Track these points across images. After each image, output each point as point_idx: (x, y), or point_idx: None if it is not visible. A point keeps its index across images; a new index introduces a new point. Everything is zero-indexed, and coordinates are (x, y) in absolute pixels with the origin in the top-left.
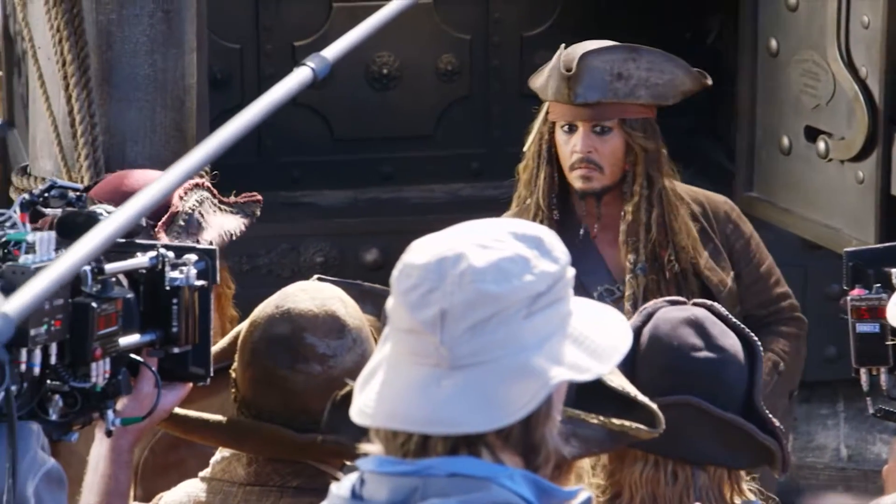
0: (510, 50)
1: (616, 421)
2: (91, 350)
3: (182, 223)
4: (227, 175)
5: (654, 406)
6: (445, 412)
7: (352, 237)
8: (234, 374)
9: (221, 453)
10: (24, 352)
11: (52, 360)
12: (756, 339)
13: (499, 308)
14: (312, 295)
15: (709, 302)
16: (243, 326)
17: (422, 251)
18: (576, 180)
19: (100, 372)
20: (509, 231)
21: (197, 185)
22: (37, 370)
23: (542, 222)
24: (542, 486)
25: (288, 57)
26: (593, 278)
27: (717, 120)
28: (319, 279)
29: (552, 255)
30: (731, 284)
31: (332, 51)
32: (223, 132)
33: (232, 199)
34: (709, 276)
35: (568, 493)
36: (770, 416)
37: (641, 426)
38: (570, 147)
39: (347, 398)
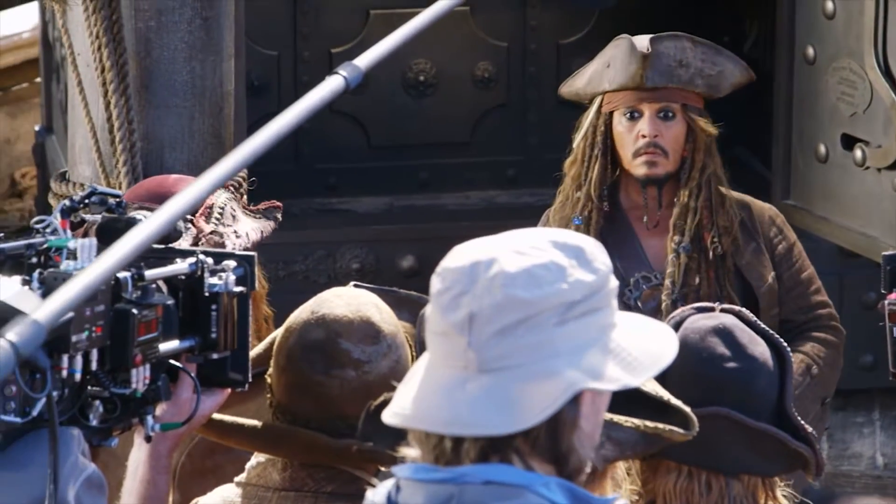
0: (547, 57)
1: (650, 423)
2: (131, 356)
3: (219, 214)
4: (264, 182)
5: (688, 409)
6: (467, 414)
7: (388, 244)
8: (269, 380)
9: (257, 458)
10: (65, 358)
11: (93, 366)
12: (785, 345)
13: (528, 314)
14: (348, 301)
15: (737, 308)
16: (279, 332)
17: (459, 255)
18: (640, 167)
19: (140, 378)
20: (550, 239)
21: (226, 188)
22: (78, 376)
23: (591, 213)
24: (578, 494)
25: (325, 64)
26: (631, 265)
27: (754, 128)
28: (356, 286)
29: (592, 265)
30: (772, 282)
31: (365, 59)
32: (256, 139)
33: (253, 207)
34: (748, 269)
35: (604, 502)
36: (802, 422)
37: (675, 428)
38: (635, 133)
39: (382, 407)
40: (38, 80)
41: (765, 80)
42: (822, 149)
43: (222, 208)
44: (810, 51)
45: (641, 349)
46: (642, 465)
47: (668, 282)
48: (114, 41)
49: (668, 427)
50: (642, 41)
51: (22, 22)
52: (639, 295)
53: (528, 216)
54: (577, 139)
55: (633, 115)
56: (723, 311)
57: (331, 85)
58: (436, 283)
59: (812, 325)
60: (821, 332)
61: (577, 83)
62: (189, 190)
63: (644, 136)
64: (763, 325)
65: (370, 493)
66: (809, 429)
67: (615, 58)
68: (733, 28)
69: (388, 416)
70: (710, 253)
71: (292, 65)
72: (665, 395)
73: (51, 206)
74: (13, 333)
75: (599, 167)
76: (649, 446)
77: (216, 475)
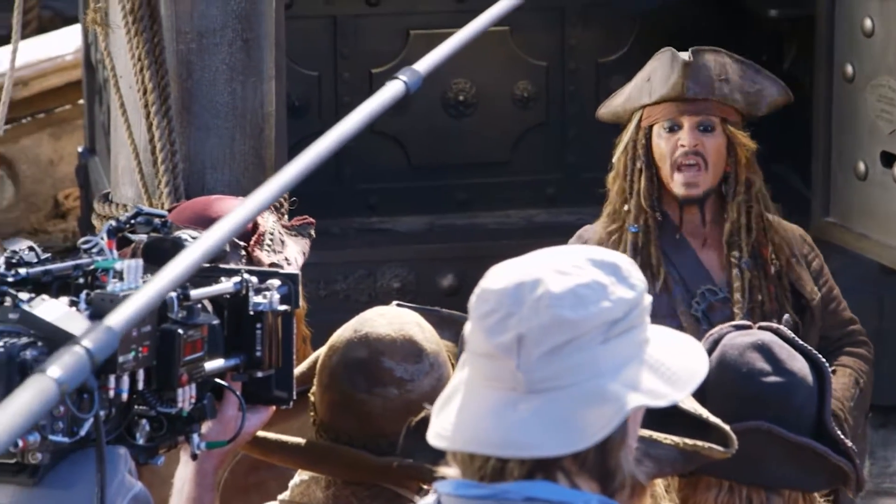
0: (586, 76)
1: (689, 441)
2: (177, 376)
3: (269, 240)
4: (305, 202)
5: (727, 427)
6: (520, 435)
7: (428, 263)
8: (312, 398)
9: (300, 476)
10: (112, 378)
11: (140, 385)
12: (824, 360)
13: (575, 334)
14: (390, 320)
15: (775, 325)
16: (322, 351)
17: (500, 276)
18: (679, 186)
19: (186, 397)
20: (587, 257)
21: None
22: (125, 396)
23: (645, 223)
24: None
25: (365, 84)
26: (695, 278)
27: (794, 145)
28: (398, 305)
29: (629, 281)
30: (818, 298)
31: (424, 64)
32: (308, 155)
33: (286, 222)
34: (800, 284)
35: None
36: (842, 436)
37: (715, 446)
38: (674, 144)
39: (423, 423)
40: (81, 101)
41: (804, 97)
42: (862, 166)
43: (272, 234)
44: (849, 68)
45: (677, 362)
46: (682, 482)
47: (737, 296)
48: (155, 63)
49: (707, 445)
50: (684, 53)
51: (65, 44)
52: (705, 307)
53: (567, 234)
54: (618, 154)
55: (673, 128)
56: (760, 328)
57: (391, 90)
58: (478, 304)
59: (847, 340)
60: (857, 348)
61: (616, 102)
62: (242, 208)
63: (683, 146)
64: (801, 342)
65: None
66: (849, 443)
67: (656, 70)
68: (772, 46)
69: (433, 439)
70: (769, 269)
71: (333, 85)
72: (704, 412)
73: (94, 227)
74: (88, 340)
75: (646, 179)
76: (688, 464)
77: (259, 491)
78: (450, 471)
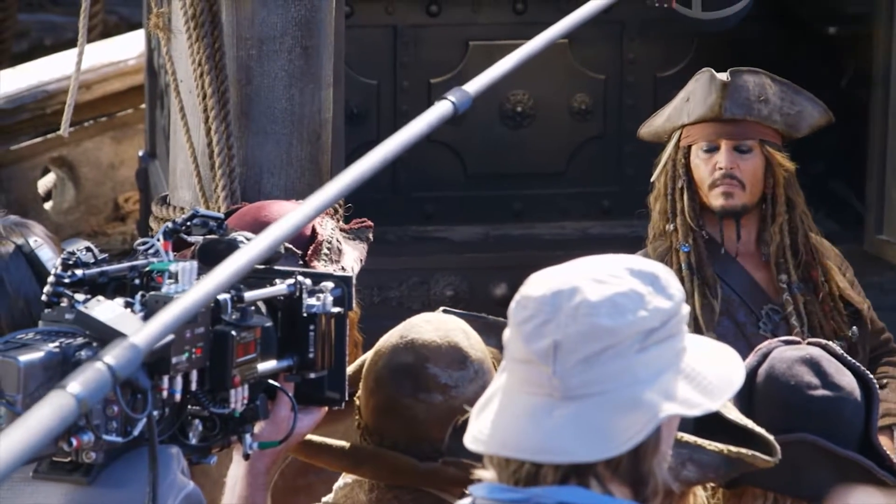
0: (644, 90)
1: (733, 448)
2: (230, 378)
3: (327, 250)
4: (361, 209)
5: (770, 437)
6: (555, 441)
7: (482, 272)
8: (357, 402)
9: (344, 479)
10: (165, 379)
11: (193, 386)
12: (871, 377)
13: (612, 342)
14: (436, 326)
15: (824, 341)
16: (368, 355)
17: (539, 284)
18: (716, 198)
19: (238, 398)
20: (626, 267)
21: (326, 214)
22: (178, 396)
23: (694, 241)
24: None
25: (424, 93)
26: (755, 298)
27: (851, 163)
28: (444, 311)
29: (667, 291)
30: (867, 305)
31: (474, 85)
32: (361, 165)
33: (344, 225)
34: (850, 294)
35: None
36: (887, 452)
37: (758, 454)
38: (712, 165)
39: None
40: (143, 106)
41: (861, 115)
42: None
43: (330, 243)
44: None
45: (713, 372)
46: (727, 493)
47: (793, 320)
48: (215, 69)
49: (751, 452)
50: (722, 73)
51: (128, 49)
52: (772, 328)
53: (622, 247)
54: (657, 173)
55: (711, 149)
56: (810, 343)
57: (439, 110)
58: (517, 311)
59: (883, 349)
60: (895, 356)
61: (656, 122)
62: (295, 214)
63: (720, 168)
64: (850, 359)
65: None
66: (891, 457)
67: (695, 91)
68: (831, 63)
69: (470, 442)
70: (820, 291)
71: (392, 94)
72: (748, 423)
73: (152, 230)
74: (111, 356)
75: (688, 198)
76: (731, 471)
77: (308, 494)
78: (486, 473)
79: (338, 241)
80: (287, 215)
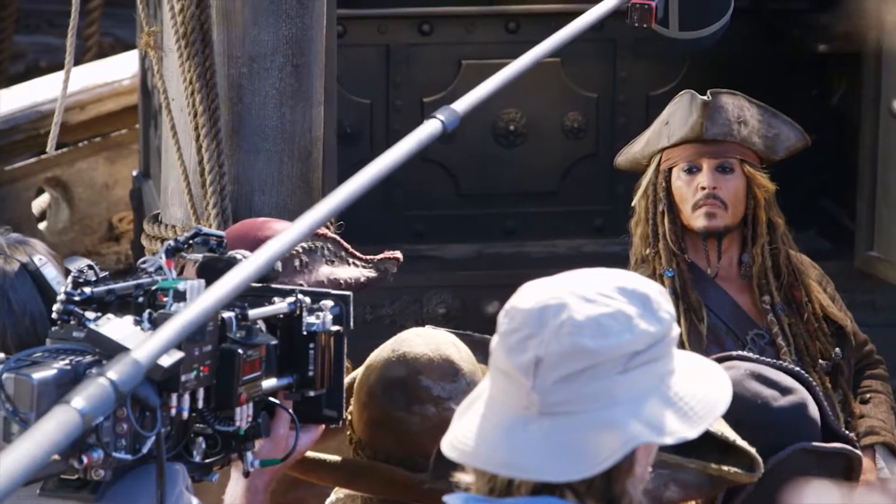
0: (636, 108)
1: (714, 466)
2: (236, 395)
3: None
4: (353, 228)
5: (753, 450)
6: (525, 458)
7: (474, 290)
8: (349, 417)
9: (337, 494)
10: (174, 396)
11: (199, 404)
12: (796, 368)
13: (593, 362)
14: (427, 340)
15: (735, 352)
16: (359, 371)
17: (528, 296)
18: (699, 219)
19: (243, 416)
20: (617, 285)
21: (318, 236)
22: (185, 414)
23: (678, 265)
24: None
25: (417, 112)
26: (739, 324)
27: (841, 180)
28: (432, 329)
29: (657, 314)
30: (850, 321)
31: (462, 104)
32: (353, 183)
33: (370, 256)
34: (833, 311)
35: None
36: (841, 429)
37: (739, 471)
38: (694, 186)
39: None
40: (137, 126)
41: (852, 133)
42: None
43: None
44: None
45: (698, 397)
46: None
47: (779, 340)
48: (206, 87)
49: (732, 469)
50: (703, 96)
51: (122, 70)
52: (758, 352)
53: (614, 265)
54: (637, 198)
55: (692, 170)
56: (720, 358)
57: (428, 129)
58: (504, 321)
59: (865, 362)
60: (875, 369)
61: (634, 149)
62: (289, 232)
63: (703, 189)
64: (765, 358)
65: None
66: (850, 434)
67: (674, 113)
68: (821, 81)
69: (447, 448)
70: (804, 311)
71: (385, 113)
72: (731, 435)
73: (144, 248)
74: (113, 371)
75: (669, 221)
76: (714, 488)
77: None
78: (466, 477)
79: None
80: (283, 232)
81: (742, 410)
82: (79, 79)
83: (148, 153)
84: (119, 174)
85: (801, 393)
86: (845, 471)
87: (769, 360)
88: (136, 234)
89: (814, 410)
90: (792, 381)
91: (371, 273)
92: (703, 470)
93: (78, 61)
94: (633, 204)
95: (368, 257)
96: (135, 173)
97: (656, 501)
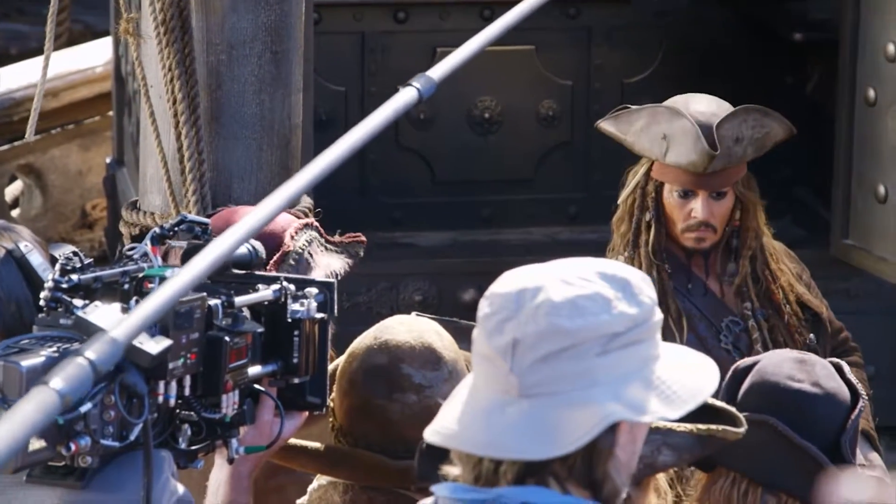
0: (611, 96)
1: (702, 426)
2: (223, 383)
3: (293, 262)
4: (330, 215)
5: (733, 409)
6: (506, 438)
7: (450, 277)
8: (331, 404)
9: (319, 481)
10: (161, 384)
11: (186, 391)
12: (863, 393)
13: (571, 343)
14: (409, 328)
15: (836, 360)
16: (341, 359)
17: (507, 281)
18: (688, 240)
19: (230, 403)
20: (598, 271)
21: (307, 225)
22: (172, 401)
23: (658, 274)
24: None
25: None
26: (716, 312)
27: (816, 169)
28: (417, 315)
29: (637, 298)
30: (825, 309)
31: (438, 71)
32: (332, 152)
33: (337, 238)
34: (809, 301)
35: None
36: (853, 460)
37: (728, 427)
38: (687, 211)
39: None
40: (110, 113)
41: (827, 121)
42: (882, 189)
43: (299, 254)
44: (871, 93)
45: (682, 383)
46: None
47: (758, 347)
48: (185, 74)
49: (721, 427)
50: (710, 136)
51: (95, 57)
52: (733, 340)
53: (589, 253)
54: (625, 194)
55: (687, 194)
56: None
57: (404, 97)
58: (483, 306)
59: (842, 348)
60: (852, 356)
61: (621, 130)
62: (264, 203)
63: (696, 217)
64: (850, 376)
65: None
66: (860, 469)
67: (674, 138)
68: (797, 69)
69: (430, 434)
70: (783, 313)
71: (359, 100)
72: (710, 399)
73: (121, 235)
74: (91, 351)
75: (655, 233)
76: (704, 449)
77: (279, 496)
78: (453, 469)
79: (309, 254)
80: (258, 205)
81: (761, 377)
82: (52, 66)
83: (122, 140)
84: (92, 161)
85: (827, 393)
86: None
87: (845, 370)
88: (110, 221)
89: (829, 415)
90: (834, 386)
91: (349, 260)
92: (691, 431)
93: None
94: (619, 201)
95: (337, 240)
96: (108, 160)
97: (650, 468)
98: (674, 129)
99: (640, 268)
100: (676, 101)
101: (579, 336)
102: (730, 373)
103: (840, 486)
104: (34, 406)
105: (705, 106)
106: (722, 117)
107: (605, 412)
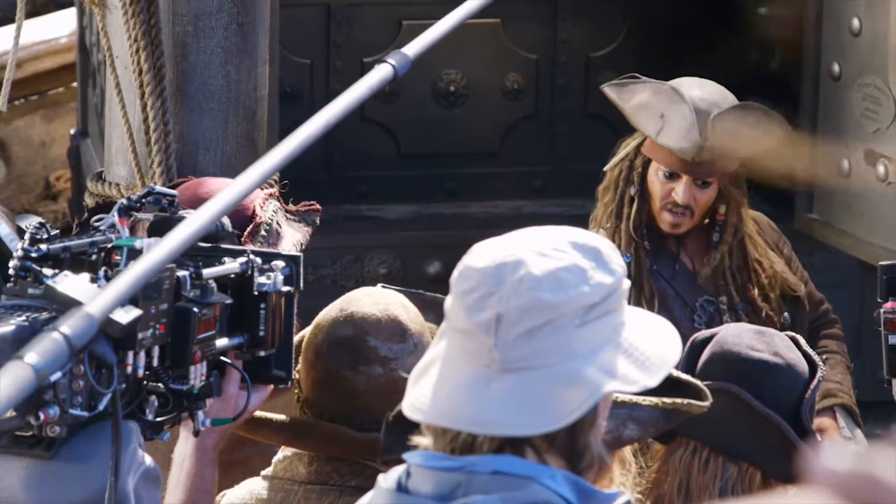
0: (576, 70)
1: (668, 399)
2: (191, 354)
3: (264, 233)
4: (295, 188)
5: (698, 381)
6: (493, 414)
7: (415, 250)
8: (296, 376)
9: (283, 452)
10: (130, 354)
11: (154, 362)
12: (821, 364)
13: (553, 316)
14: (376, 300)
15: (791, 333)
16: (307, 330)
17: (482, 255)
18: (664, 221)
19: (197, 375)
20: (569, 240)
21: (271, 195)
22: (141, 372)
23: (636, 251)
24: (583, 487)
25: (357, 73)
26: (690, 292)
27: None
28: (384, 287)
29: (609, 266)
30: (803, 287)
31: (413, 48)
32: (304, 130)
33: (293, 207)
34: (787, 279)
35: (609, 496)
36: (813, 429)
37: (692, 401)
38: (668, 190)
39: (400, 417)
40: (74, 84)
41: (791, 97)
42: (846, 164)
43: (269, 225)
44: (836, 67)
45: (651, 347)
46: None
47: (723, 305)
48: (151, 45)
49: (685, 401)
50: (705, 126)
51: (59, 28)
52: (707, 320)
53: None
54: (613, 163)
55: (672, 176)
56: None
57: (379, 73)
58: (459, 281)
59: (821, 321)
60: (831, 328)
61: (622, 98)
62: (235, 184)
63: (676, 199)
64: (807, 348)
65: (381, 479)
66: (819, 438)
67: (670, 120)
68: (761, 44)
69: (408, 410)
70: (762, 310)
71: (325, 73)
72: (673, 371)
73: (86, 206)
74: (66, 326)
75: (637, 209)
76: (669, 422)
77: (243, 468)
78: (423, 440)
79: (277, 224)
80: (229, 186)
81: (721, 347)
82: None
83: (86, 111)
84: (56, 132)
85: (787, 364)
86: (788, 462)
87: (800, 341)
88: (74, 192)
89: (789, 385)
90: (793, 356)
91: (308, 228)
92: (657, 404)
93: (10, 20)
94: (605, 168)
95: (294, 209)
96: (72, 132)
97: (616, 441)
98: (672, 111)
99: (620, 242)
100: (683, 83)
101: (561, 309)
102: (688, 344)
103: (822, 457)
104: (9, 380)
105: (710, 94)
106: (723, 109)
107: (594, 386)
